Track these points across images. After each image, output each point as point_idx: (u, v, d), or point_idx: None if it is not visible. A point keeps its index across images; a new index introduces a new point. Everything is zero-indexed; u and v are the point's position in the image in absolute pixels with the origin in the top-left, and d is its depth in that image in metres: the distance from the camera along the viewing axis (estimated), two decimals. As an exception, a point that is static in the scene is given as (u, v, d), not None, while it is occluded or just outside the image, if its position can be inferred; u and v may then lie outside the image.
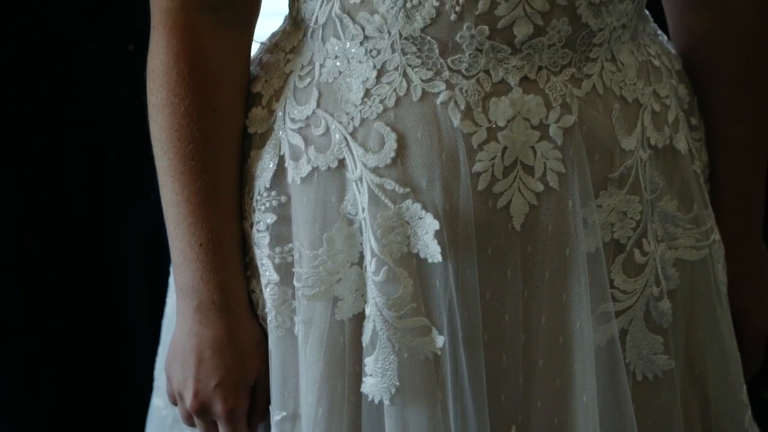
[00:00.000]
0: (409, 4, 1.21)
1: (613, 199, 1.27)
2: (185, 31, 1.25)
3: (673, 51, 1.39)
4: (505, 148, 1.23)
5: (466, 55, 1.22)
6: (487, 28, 1.21)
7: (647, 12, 1.37)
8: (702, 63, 1.38)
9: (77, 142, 1.61)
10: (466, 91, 1.23)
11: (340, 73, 1.25)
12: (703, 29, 1.38)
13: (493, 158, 1.23)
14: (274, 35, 1.34)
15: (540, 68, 1.23)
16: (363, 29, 1.23)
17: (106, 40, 1.61)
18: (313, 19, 1.27)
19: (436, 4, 1.21)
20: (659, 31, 1.39)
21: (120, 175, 1.63)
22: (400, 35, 1.22)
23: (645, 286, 1.29)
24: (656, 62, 1.33)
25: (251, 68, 1.32)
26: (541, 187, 1.24)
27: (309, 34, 1.28)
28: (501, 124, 1.23)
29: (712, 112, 1.39)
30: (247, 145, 1.30)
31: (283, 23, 1.33)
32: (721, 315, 1.35)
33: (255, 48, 1.34)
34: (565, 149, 1.24)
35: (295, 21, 1.30)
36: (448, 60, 1.22)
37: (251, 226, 1.29)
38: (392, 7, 1.21)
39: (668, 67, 1.35)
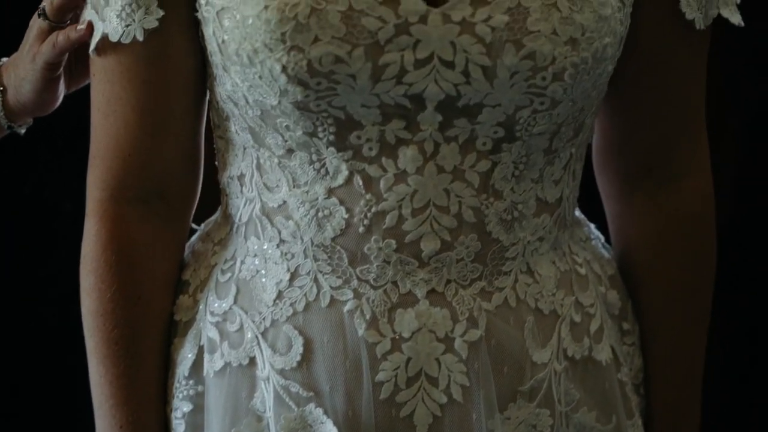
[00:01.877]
0: (320, 214, 1.24)
1: (522, 411, 1.27)
2: (114, 221, 1.29)
3: (607, 255, 1.39)
4: (409, 359, 1.24)
5: (374, 266, 1.24)
6: (394, 241, 1.23)
7: (580, 216, 1.38)
8: (635, 271, 1.38)
9: (50, 299, 1.66)
10: (373, 301, 1.24)
11: (257, 271, 1.28)
12: (638, 238, 1.38)
13: (397, 368, 1.24)
14: (208, 223, 1.38)
15: (448, 281, 1.25)
16: (279, 233, 1.26)
17: (81, 201, 1.66)
18: (238, 215, 1.30)
19: (346, 216, 1.23)
20: (594, 235, 1.39)
21: None
22: (312, 242, 1.25)
23: None
24: (582, 270, 1.33)
25: (186, 253, 1.36)
26: (444, 399, 1.25)
27: (234, 229, 1.31)
28: (406, 335, 1.24)
29: (643, 320, 1.38)
30: (173, 331, 1.34)
31: (217, 213, 1.37)
32: None
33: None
34: (470, 363, 1.25)
35: (225, 214, 1.33)
36: (357, 269, 1.24)
37: (171, 411, 1.33)
38: (305, 215, 1.24)
39: (597, 274, 1.35)
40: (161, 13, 1.21)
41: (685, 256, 1.37)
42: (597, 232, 1.41)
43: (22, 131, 1.41)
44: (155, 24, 1.21)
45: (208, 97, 1.30)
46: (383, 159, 1.21)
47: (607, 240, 1.42)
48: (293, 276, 1.26)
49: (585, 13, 1.17)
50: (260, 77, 1.17)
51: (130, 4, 1.21)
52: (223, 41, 1.19)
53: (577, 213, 1.38)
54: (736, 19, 1.30)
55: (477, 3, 1.15)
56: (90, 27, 1.25)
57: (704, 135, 1.36)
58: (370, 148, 1.20)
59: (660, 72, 1.31)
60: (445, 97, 1.18)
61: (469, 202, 1.22)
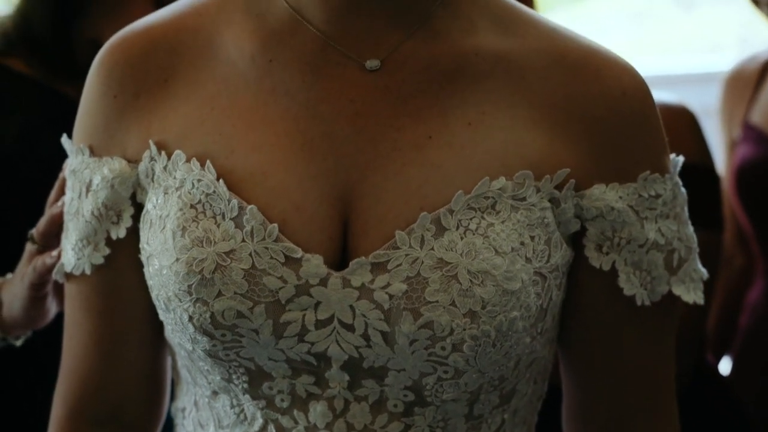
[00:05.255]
0: None
1: None
2: None
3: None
4: None
5: None
6: None
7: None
8: None
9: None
10: None
11: None
12: None
13: None
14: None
15: None
16: None
17: None
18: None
19: None
20: None
21: None
22: None
23: None
24: None
25: None
26: None
27: None
28: None
29: None
30: None
31: None
32: None
33: None
34: None
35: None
36: None
37: None
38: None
39: None
40: (108, 251, 1.27)
41: None
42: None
43: (18, 343, 1.49)
44: (101, 260, 1.27)
45: None
46: (295, 411, 1.22)
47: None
48: None
49: (487, 287, 1.15)
50: (175, 323, 1.21)
51: (82, 240, 1.28)
52: (151, 285, 1.24)
53: (530, 474, 1.34)
54: (692, 297, 1.24)
55: (377, 270, 1.16)
56: (61, 254, 1.33)
57: (672, 409, 1.29)
58: (282, 400, 1.22)
59: (608, 344, 1.25)
60: (349, 358, 1.18)
61: (380, 462, 1.21)
